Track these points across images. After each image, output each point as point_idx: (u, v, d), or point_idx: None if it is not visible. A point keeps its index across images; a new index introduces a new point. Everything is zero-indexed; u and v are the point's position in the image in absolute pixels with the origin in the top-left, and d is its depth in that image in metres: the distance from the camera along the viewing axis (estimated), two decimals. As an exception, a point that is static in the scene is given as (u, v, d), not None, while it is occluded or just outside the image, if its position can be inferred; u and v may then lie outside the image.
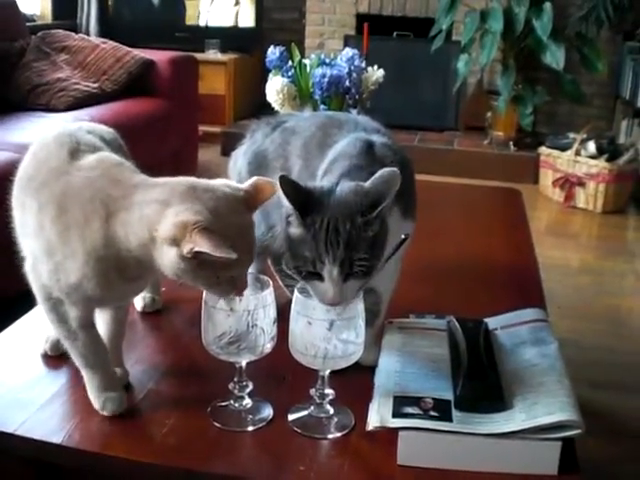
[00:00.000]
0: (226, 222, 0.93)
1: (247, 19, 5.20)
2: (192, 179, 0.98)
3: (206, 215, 0.92)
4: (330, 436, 1.02)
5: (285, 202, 0.97)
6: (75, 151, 1.04)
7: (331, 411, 1.05)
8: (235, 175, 1.35)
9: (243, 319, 1.00)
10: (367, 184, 0.99)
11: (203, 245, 0.88)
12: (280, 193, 0.97)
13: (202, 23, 5.26)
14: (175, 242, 0.91)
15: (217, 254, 0.88)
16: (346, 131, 1.18)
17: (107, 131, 1.18)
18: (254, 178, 1.01)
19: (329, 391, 1.05)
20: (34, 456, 1.03)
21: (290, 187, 0.97)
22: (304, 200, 0.97)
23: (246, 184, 1.00)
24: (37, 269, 1.02)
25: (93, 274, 0.97)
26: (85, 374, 1.07)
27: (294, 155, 1.25)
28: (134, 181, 1.00)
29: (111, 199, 0.97)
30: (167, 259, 0.93)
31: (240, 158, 1.36)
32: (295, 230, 0.99)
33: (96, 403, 1.05)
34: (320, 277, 0.97)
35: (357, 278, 0.98)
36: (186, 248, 0.89)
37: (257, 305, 1.00)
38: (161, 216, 0.93)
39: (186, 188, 0.96)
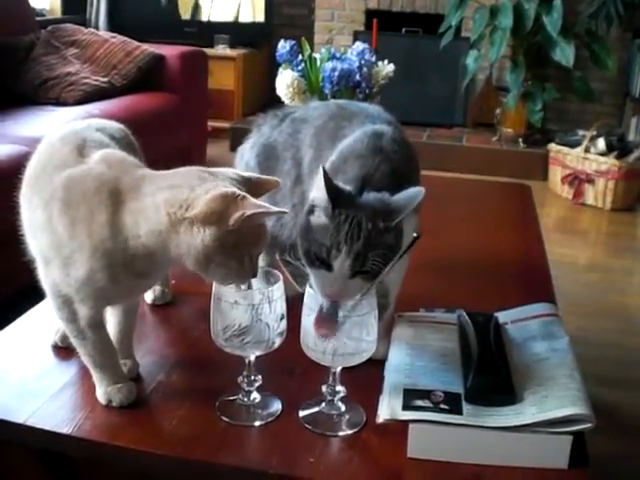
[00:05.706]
0: None
1: (257, 14, 5.20)
2: (198, 167, 0.99)
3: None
4: (341, 433, 1.02)
5: (320, 192, 0.99)
6: (81, 148, 1.04)
7: (342, 408, 1.05)
8: (242, 170, 1.34)
9: (247, 313, 0.99)
10: (394, 197, 1.02)
11: (255, 207, 0.90)
12: (319, 182, 0.99)
13: (211, 18, 5.25)
14: (214, 216, 0.90)
15: (273, 210, 0.92)
16: (356, 124, 1.18)
17: (118, 128, 1.18)
18: (257, 175, 1.03)
19: (340, 388, 1.04)
20: (44, 447, 1.03)
21: (329, 179, 1.00)
22: (336, 194, 0.99)
23: (250, 174, 1.01)
24: (47, 266, 1.02)
25: (100, 267, 0.97)
26: (93, 373, 1.07)
27: (305, 145, 1.24)
28: (140, 173, 1.00)
29: (119, 191, 0.96)
30: (196, 241, 0.92)
31: (247, 152, 1.34)
32: (319, 219, 1.00)
33: (103, 399, 1.05)
34: (329, 267, 0.97)
35: (363, 278, 0.98)
36: (235, 216, 0.89)
37: (262, 300, 0.99)
38: (186, 198, 0.92)
39: (199, 172, 0.97)
